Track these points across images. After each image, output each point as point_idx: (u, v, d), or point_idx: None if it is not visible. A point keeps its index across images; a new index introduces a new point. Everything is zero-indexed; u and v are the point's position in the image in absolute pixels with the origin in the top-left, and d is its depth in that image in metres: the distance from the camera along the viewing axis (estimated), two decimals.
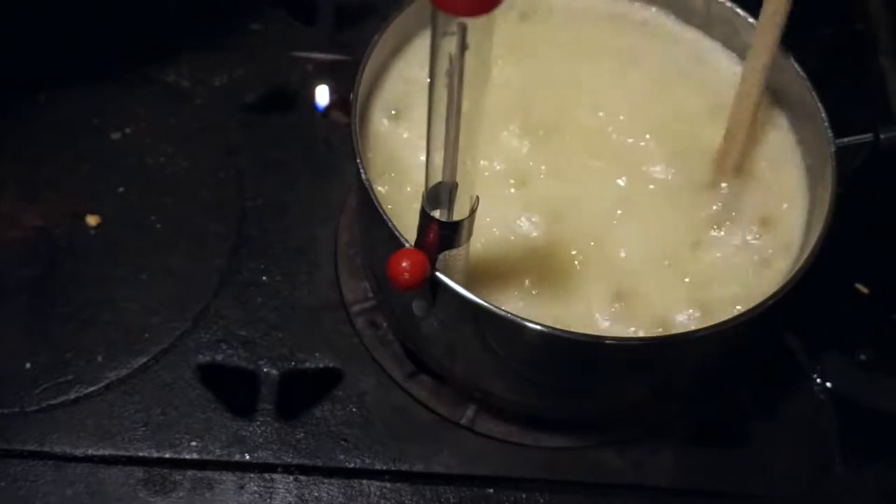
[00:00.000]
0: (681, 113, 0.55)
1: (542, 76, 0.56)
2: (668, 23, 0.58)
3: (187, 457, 0.55)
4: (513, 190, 0.52)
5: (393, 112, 0.53)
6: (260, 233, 0.64)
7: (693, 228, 0.51)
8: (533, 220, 0.50)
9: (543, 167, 0.52)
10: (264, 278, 0.62)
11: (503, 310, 0.43)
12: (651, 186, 0.52)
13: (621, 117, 0.54)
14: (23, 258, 0.61)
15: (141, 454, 0.55)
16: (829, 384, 0.61)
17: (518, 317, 0.43)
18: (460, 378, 0.56)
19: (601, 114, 0.55)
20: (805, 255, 0.46)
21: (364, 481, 0.55)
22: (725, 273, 0.50)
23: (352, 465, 0.56)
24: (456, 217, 0.41)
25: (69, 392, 0.57)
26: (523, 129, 0.54)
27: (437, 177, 0.39)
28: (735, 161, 0.52)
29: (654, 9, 0.58)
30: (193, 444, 0.55)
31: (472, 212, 0.41)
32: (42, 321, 0.59)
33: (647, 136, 0.54)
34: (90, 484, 0.54)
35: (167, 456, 0.55)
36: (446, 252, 0.43)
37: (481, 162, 0.51)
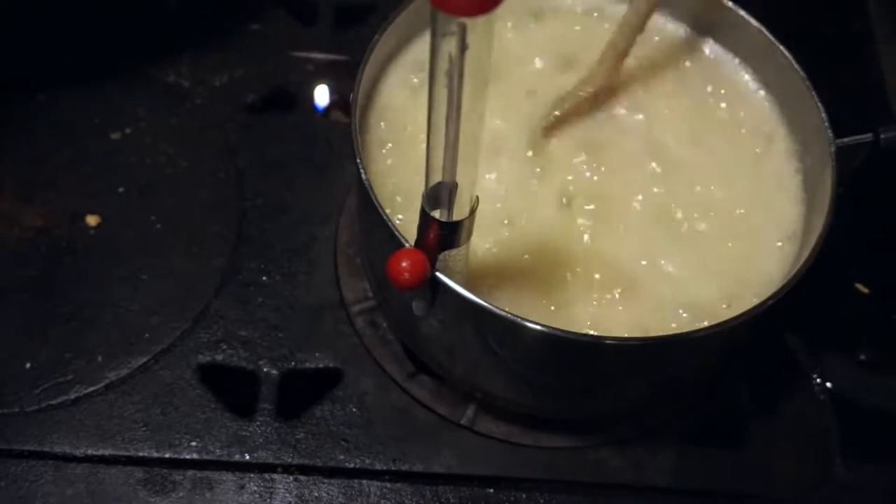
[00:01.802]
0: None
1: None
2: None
3: (187, 457, 0.55)
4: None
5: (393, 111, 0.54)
6: (260, 233, 0.64)
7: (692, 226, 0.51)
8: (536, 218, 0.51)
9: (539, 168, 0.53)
10: (264, 278, 0.62)
11: (503, 310, 0.43)
12: (648, 188, 0.53)
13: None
14: (23, 258, 0.61)
15: (141, 454, 0.55)
16: (829, 384, 0.61)
17: (518, 317, 0.43)
18: (460, 378, 0.56)
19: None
20: (805, 256, 0.46)
21: (364, 481, 0.55)
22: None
23: (352, 465, 0.56)
24: (456, 217, 0.41)
25: (69, 392, 0.57)
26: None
27: (437, 177, 0.39)
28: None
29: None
30: (193, 444, 0.56)
31: (472, 212, 0.41)
32: (42, 321, 0.59)
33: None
34: (90, 484, 0.54)
35: (167, 456, 0.55)
36: (446, 252, 0.43)
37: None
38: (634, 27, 0.52)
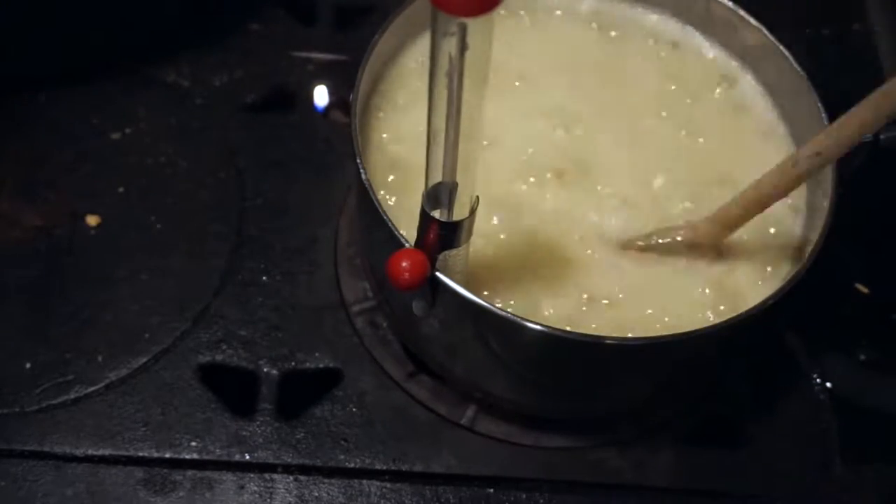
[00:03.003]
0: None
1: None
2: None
3: (187, 457, 0.55)
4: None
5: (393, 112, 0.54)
6: (260, 233, 0.64)
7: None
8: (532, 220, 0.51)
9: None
10: (264, 278, 0.62)
11: (503, 310, 0.43)
12: (653, 189, 0.53)
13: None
14: (23, 258, 0.61)
15: (141, 454, 0.55)
16: (829, 384, 0.61)
17: (518, 317, 0.43)
18: (460, 378, 0.56)
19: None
20: (805, 256, 0.46)
21: (364, 481, 0.55)
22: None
23: (352, 465, 0.56)
24: (456, 217, 0.41)
25: (69, 392, 0.57)
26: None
27: (437, 177, 0.39)
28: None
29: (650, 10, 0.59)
30: (193, 444, 0.55)
31: (472, 212, 0.41)
32: (42, 321, 0.59)
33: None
34: (90, 484, 0.54)
35: (167, 456, 0.55)
36: (446, 252, 0.43)
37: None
38: (757, 206, 0.47)
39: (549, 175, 0.52)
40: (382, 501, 0.55)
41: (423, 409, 0.58)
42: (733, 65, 0.57)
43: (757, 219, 0.52)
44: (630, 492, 0.57)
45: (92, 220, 0.63)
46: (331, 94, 0.71)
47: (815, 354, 0.62)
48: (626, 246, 0.50)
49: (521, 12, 0.58)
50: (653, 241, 0.50)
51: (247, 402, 0.57)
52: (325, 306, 0.61)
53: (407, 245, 0.44)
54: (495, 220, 0.50)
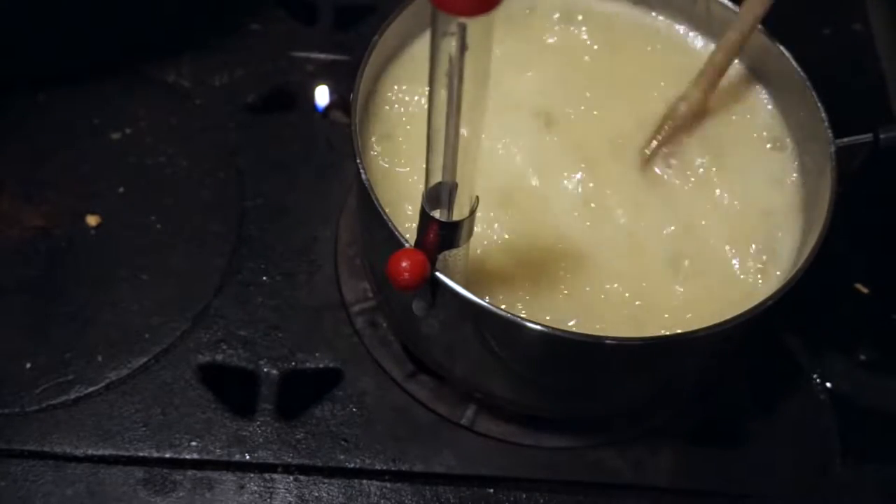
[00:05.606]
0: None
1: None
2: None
3: (187, 457, 0.55)
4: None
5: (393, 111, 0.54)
6: (260, 233, 0.64)
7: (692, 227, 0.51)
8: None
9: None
10: (264, 278, 0.62)
11: (503, 310, 0.43)
12: (655, 189, 0.53)
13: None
14: (23, 258, 0.61)
15: (141, 454, 0.55)
16: (829, 384, 0.61)
17: (518, 317, 0.43)
18: (460, 378, 0.56)
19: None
20: (805, 255, 0.46)
21: (364, 481, 0.55)
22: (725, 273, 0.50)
23: (352, 465, 0.56)
24: (456, 217, 0.41)
25: (69, 392, 0.57)
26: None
27: (437, 177, 0.39)
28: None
29: (653, 12, 0.59)
30: (193, 444, 0.56)
31: (472, 212, 0.41)
32: (42, 321, 0.59)
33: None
34: (90, 484, 0.54)
35: (167, 456, 0.55)
36: (446, 252, 0.43)
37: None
38: (736, 46, 0.51)
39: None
40: (382, 501, 0.55)
41: (423, 409, 0.58)
42: (733, 64, 0.57)
43: (757, 217, 0.52)
44: (630, 492, 0.57)
45: (92, 220, 0.63)
46: (331, 94, 0.71)
47: (815, 354, 0.62)
48: (643, 158, 0.52)
49: None
50: (662, 134, 0.52)
51: (247, 402, 0.57)
52: (325, 306, 0.61)
53: (407, 245, 0.44)
54: (494, 218, 0.50)
